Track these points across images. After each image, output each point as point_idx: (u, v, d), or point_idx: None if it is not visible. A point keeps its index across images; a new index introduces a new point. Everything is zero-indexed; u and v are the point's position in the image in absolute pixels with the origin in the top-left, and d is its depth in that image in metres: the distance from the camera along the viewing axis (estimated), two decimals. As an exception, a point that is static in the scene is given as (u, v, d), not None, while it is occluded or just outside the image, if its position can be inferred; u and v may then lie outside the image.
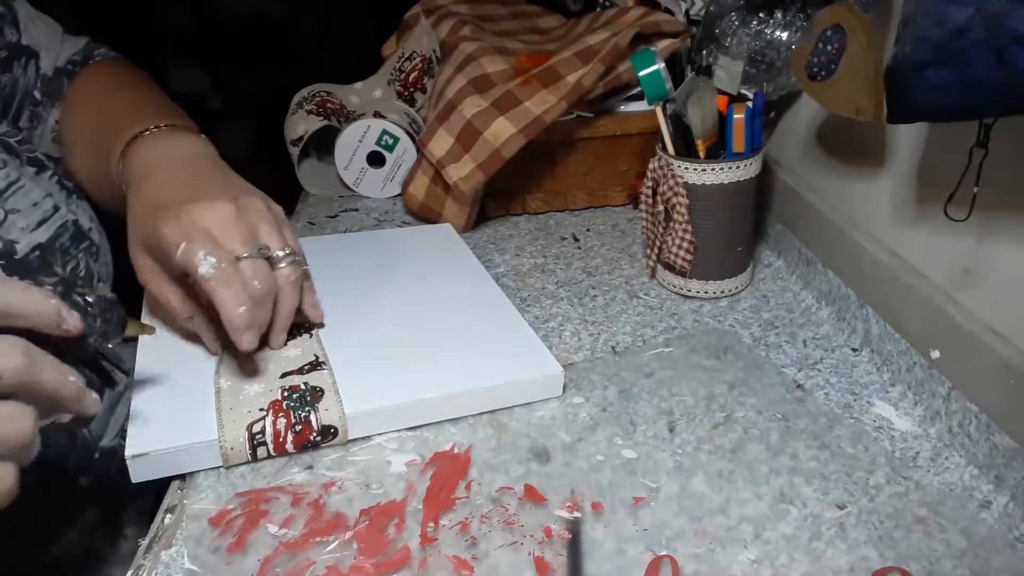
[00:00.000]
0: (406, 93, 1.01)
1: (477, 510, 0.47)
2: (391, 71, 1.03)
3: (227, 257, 0.49)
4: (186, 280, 0.54)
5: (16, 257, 0.55)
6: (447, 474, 0.49)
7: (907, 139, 0.57)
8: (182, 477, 0.50)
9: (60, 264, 0.59)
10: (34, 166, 0.60)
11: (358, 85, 1.05)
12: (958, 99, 0.42)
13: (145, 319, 0.60)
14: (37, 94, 0.68)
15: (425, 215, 0.86)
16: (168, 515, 0.47)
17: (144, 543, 0.45)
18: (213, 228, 0.50)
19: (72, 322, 0.40)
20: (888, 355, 0.59)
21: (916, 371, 0.55)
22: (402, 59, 1.01)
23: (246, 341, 0.50)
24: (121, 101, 0.69)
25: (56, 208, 0.60)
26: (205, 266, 0.48)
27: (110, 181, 0.61)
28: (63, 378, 0.39)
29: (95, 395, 0.41)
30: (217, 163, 0.60)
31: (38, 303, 0.39)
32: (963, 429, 0.50)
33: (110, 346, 0.47)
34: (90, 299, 0.48)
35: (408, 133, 0.90)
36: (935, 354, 0.53)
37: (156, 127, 0.60)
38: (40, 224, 0.58)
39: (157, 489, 0.49)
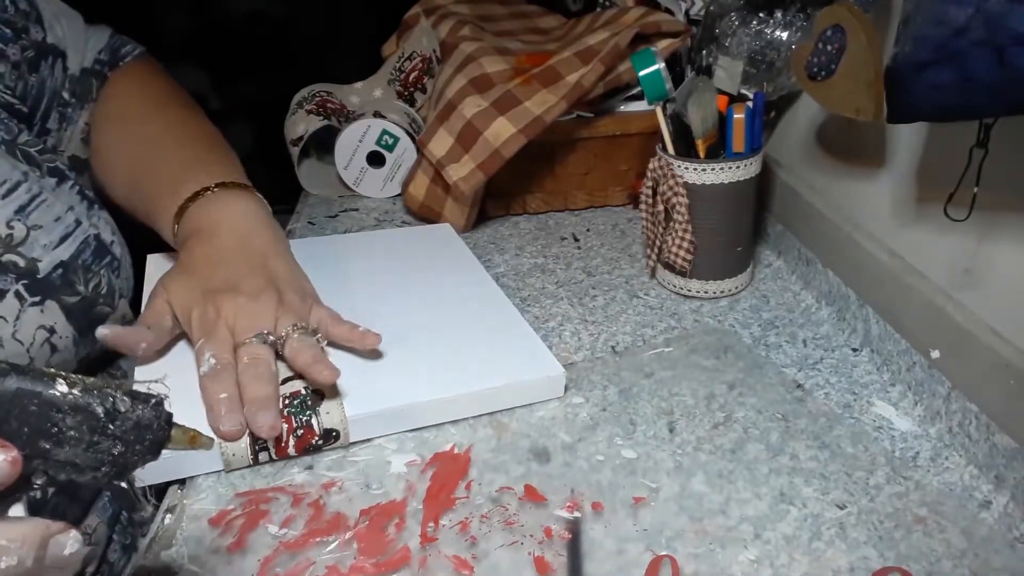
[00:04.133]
0: (406, 93, 1.01)
1: (477, 510, 0.47)
2: (391, 71, 1.03)
3: (227, 356, 0.52)
4: None
5: (38, 276, 0.55)
6: (447, 474, 0.49)
7: (907, 139, 0.57)
8: (182, 479, 0.50)
9: (82, 282, 0.58)
10: (55, 176, 0.59)
11: (358, 85, 1.05)
12: (958, 99, 0.42)
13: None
14: (66, 95, 0.67)
15: (425, 215, 0.86)
16: (168, 515, 0.47)
17: (144, 543, 0.45)
18: (236, 325, 0.53)
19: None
20: (888, 355, 0.59)
21: (916, 371, 0.55)
22: (402, 59, 1.01)
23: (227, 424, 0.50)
24: (164, 132, 0.70)
25: (78, 222, 0.59)
26: (205, 367, 0.51)
27: (146, 210, 0.64)
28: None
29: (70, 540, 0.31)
30: (269, 229, 0.62)
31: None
32: (963, 429, 0.50)
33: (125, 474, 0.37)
34: (121, 409, 0.37)
35: (408, 133, 0.90)
36: (935, 354, 0.53)
37: (213, 188, 0.62)
38: (62, 240, 0.57)
39: (158, 490, 0.49)
